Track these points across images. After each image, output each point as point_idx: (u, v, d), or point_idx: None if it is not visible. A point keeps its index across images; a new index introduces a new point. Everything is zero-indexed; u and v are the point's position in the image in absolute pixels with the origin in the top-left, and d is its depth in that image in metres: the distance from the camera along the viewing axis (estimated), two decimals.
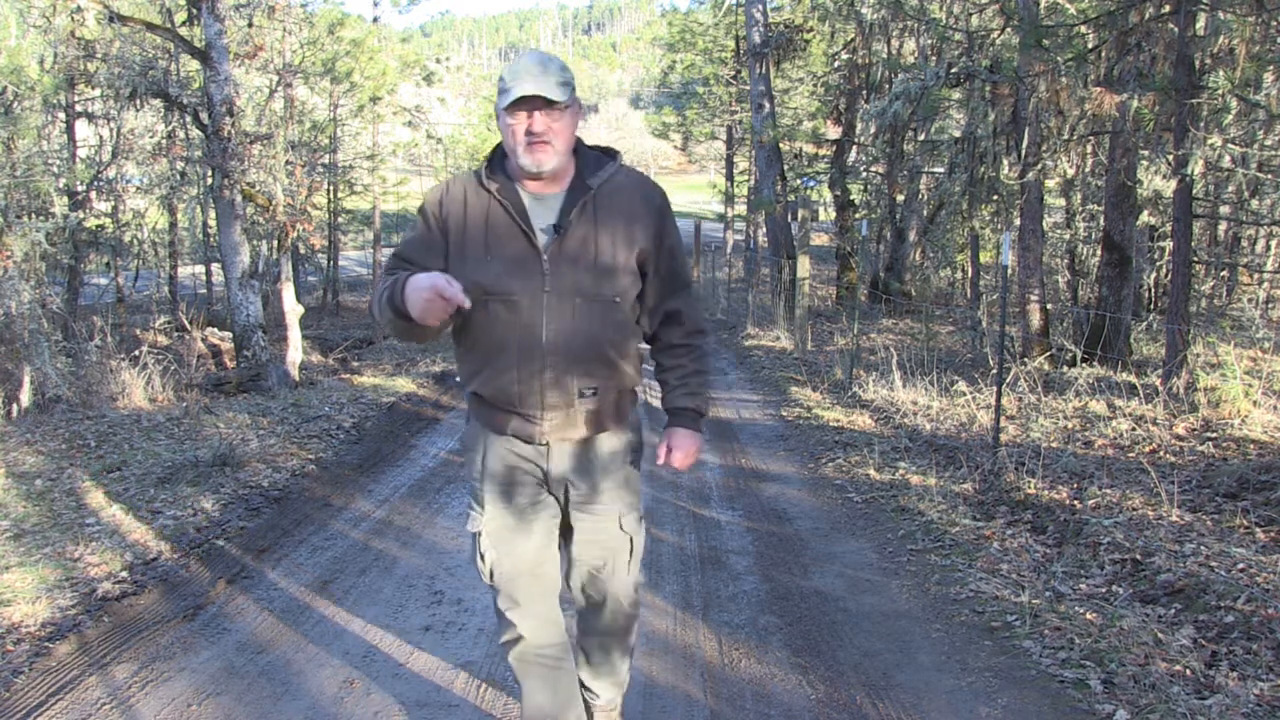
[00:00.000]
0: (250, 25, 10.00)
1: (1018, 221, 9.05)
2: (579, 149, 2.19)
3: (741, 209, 26.86)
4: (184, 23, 9.71)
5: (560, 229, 2.09)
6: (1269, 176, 8.34)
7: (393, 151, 21.09)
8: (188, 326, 11.85)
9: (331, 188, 17.84)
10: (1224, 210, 10.40)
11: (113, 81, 9.10)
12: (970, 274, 13.01)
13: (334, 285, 19.80)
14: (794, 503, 5.10)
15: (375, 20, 19.74)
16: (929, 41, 11.44)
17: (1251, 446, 5.25)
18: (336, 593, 3.86)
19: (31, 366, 7.85)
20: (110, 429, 6.64)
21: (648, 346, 2.37)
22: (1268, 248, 12.18)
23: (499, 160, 2.17)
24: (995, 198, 10.26)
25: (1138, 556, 3.80)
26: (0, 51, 9.48)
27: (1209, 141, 6.55)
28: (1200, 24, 7.28)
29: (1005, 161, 9.22)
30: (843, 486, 5.32)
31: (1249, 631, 3.12)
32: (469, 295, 1.96)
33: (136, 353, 8.96)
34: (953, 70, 9.31)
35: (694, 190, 49.51)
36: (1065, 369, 7.90)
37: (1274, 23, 6.28)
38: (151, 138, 12.34)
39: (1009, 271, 6.74)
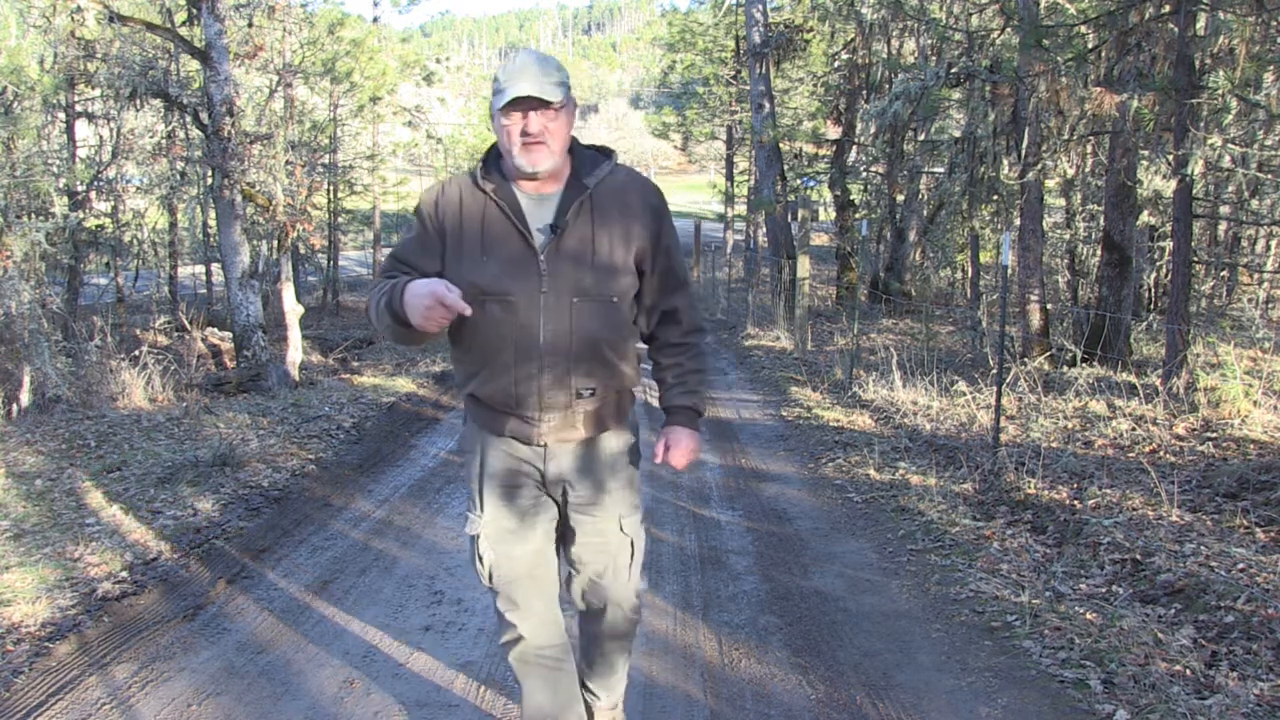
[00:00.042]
0: (250, 25, 10.01)
1: (1018, 221, 9.05)
2: (574, 148, 2.18)
3: (741, 209, 26.86)
4: (184, 23, 9.71)
5: (557, 229, 2.08)
6: (1269, 176, 8.34)
7: (393, 151, 21.11)
8: (188, 326, 11.85)
9: (331, 188, 17.84)
10: (1224, 210, 10.40)
11: (113, 81, 9.10)
12: (970, 274, 13.01)
13: (334, 285, 19.79)
14: (794, 503, 5.10)
15: (375, 20, 19.76)
16: (929, 41, 11.44)
17: (1251, 446, 5.25)
18: (336, 593, 3.86)
19: (31, 366, 7.85)
20: (110, 429, 6.64)
21: (645, 346, 2.37)
22: (1268, 248, 12.18)
23: (494, 160, 2.16)
24: (995, 198, 10.27)
25: (1138, 556, 3.80)
26: (0, 51, 9.48)
27: (1209, 141, 6.55)
28: (1200, 24, 7.28)
29: (1005, 161, 9.22)
30: (843, 486, 5.32)
31: (1249, 631, 3.12)
32: (466, 296, 1.96)
33: (136, 353, 8.96)
34: (953, 70, 9.31)
35: (694, 190, 49.51)
36: (1065, 369, 7.90)
37: (1274, 23, 6.28)
38: (151, 138, 12.34)
39: (1009, 271, 6.74)
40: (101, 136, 11.75)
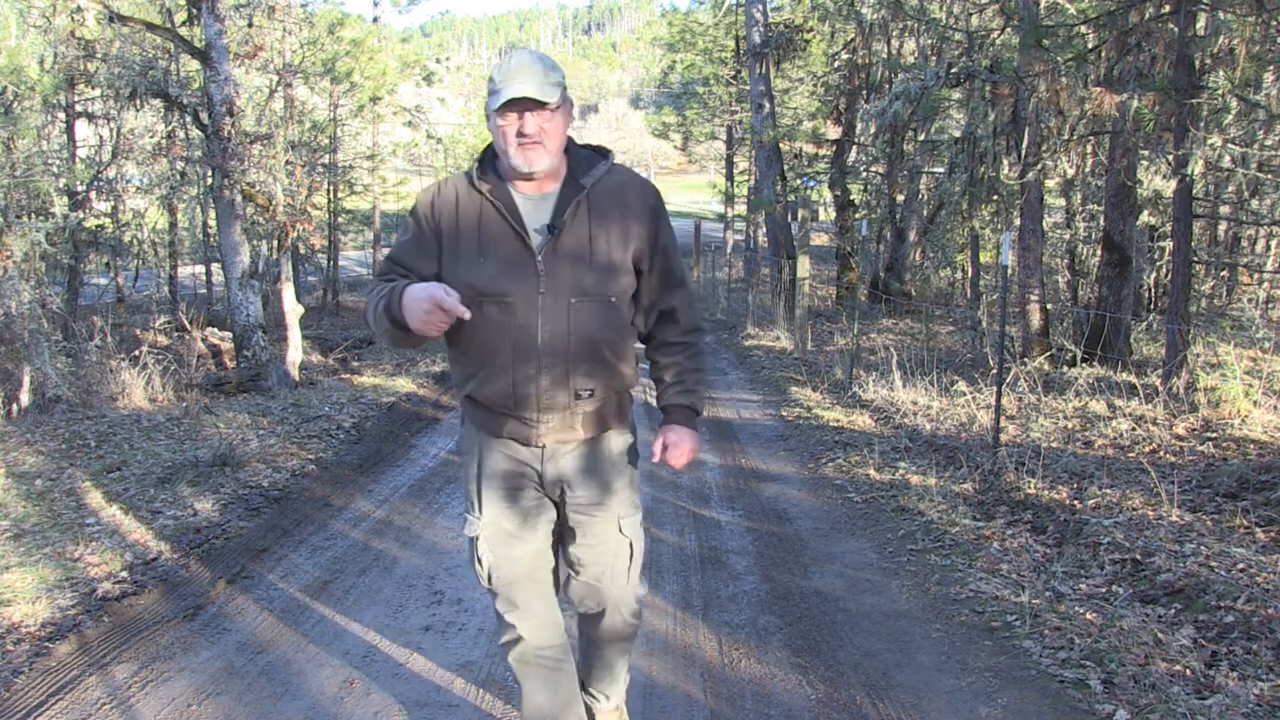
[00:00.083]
0: (250, 25, 10.00)
1: (1018, 221, 9.05)
2: (570, 148, 2.16)
3: (741, 209, 26.86)
4: (184, 23, 9.71)
5: (554, 229, 2.07)
6: (1269, 176, 8.34)
7: (393, 151, 21.11)
8: (188, 326, 11.85)
9: (331, 188, 17.84)
10: (1224, 210, 10.40)
11: (113, 81, 9.10)
12: (970, 274, 13.01)
13: (334, 285, 19.79)
14: (794, 503, 5.10)
15: (375, 20, 19.76)
16: (929, 41, 11.44)
17: (1251, 446, 5.25)
18: (336, 593, 3.86)
19: (31, 366, 7.85)
20: (110, 429, 6.64)
21: (643, 346, 2.36)
22: (1268, 248, 12.19)
23: (490, 161, 2.16)
24: (995, 198, 10.27)
25: (1138, 556, 3.80)
26: (0, 51, 9.48)
27: (1209, 141, 6.56)
28: (1200, 24, 7.28)
29: (1005, 161, 9.22)
30: (843, 486, 5.32)
31: (1249, 631, 3.12)
32: (463, 297, 1.95)
33: (136, 353, 8.96)
34: (953, 70, 9.31)
35: (694, 190, 49.52)
36: (1065, 369, 7.90)
37: (1274, 23, 6.28)
38: (151, 138, 12.34)
39: (1009, 271, 6.74)
40: (101, 136, 11.75)
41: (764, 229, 18.47)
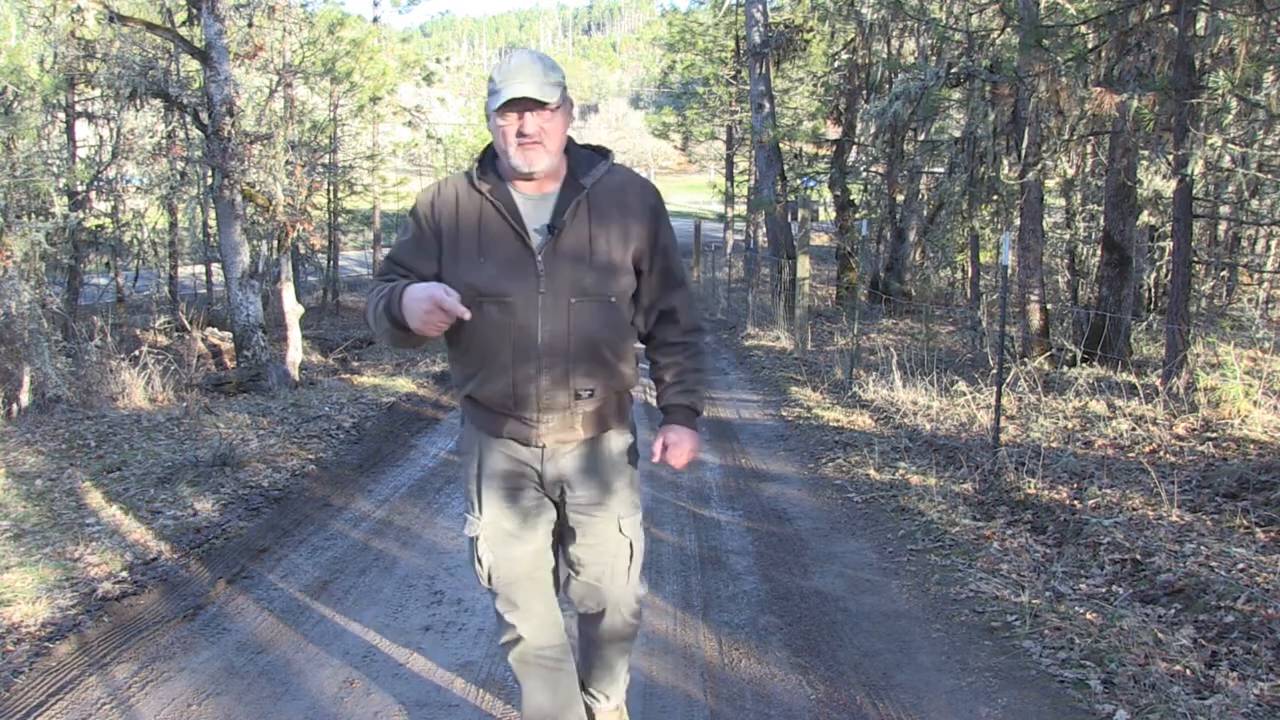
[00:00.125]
0: (250, 25, 10.01)
1: (1018, 221, 9.05)
2: (570, 148, 2.16)
3: (741, 209, 26.86)
4: (184, 23, 9.71)
5: (554, 229, 2.07)
6: (1269, 176, 8.34)
7: (393, 151, 21.11)
8: (188, 326, 11.85)
9: (331, 188, 17.84)
10: (1224, 210, 10.40)
11: (113, 81, 9.10)
12: (970, 274, 13.01)
13: (334, 285, 19.79)
14: (794, 503, 5.10)
15: (375, 20, 19.77)
16: (929, 41, 11.44)
17: (1251, 446, 5.25)
18: (336, 593, 3.86)
19: (31, 366, 7.85)
20: (110, 429, 6.64)
21: (642, 346, 2.35)
22: (1268, 248, 12.19)
23: (490, 160, 2.15)
24: (995, 198, 10.27)
25: (1138, 556, 3.81)
26: (0, 51, 9.48)
27: (1209, 141, 6.56)
28: (1200, 24, 7.28)
29: (1005, 161, 9.22)
30: (843, 486, 5.32)
31: (1249, 631, 3.12)
32: (463, 297, 1.95)
33: (136, 353, 8.96)
34: (953, 70, 9.31)
35: (694, 190, 49.52)
36: (1065, 369, 7.90)
37: (1274, 23, 6.28)
38: (151, 138, 12.34)
39: (1009, 271, 6.74)
40: (101, 136, 11.75)
41: (764, 229, 18.48)
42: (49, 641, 3.35)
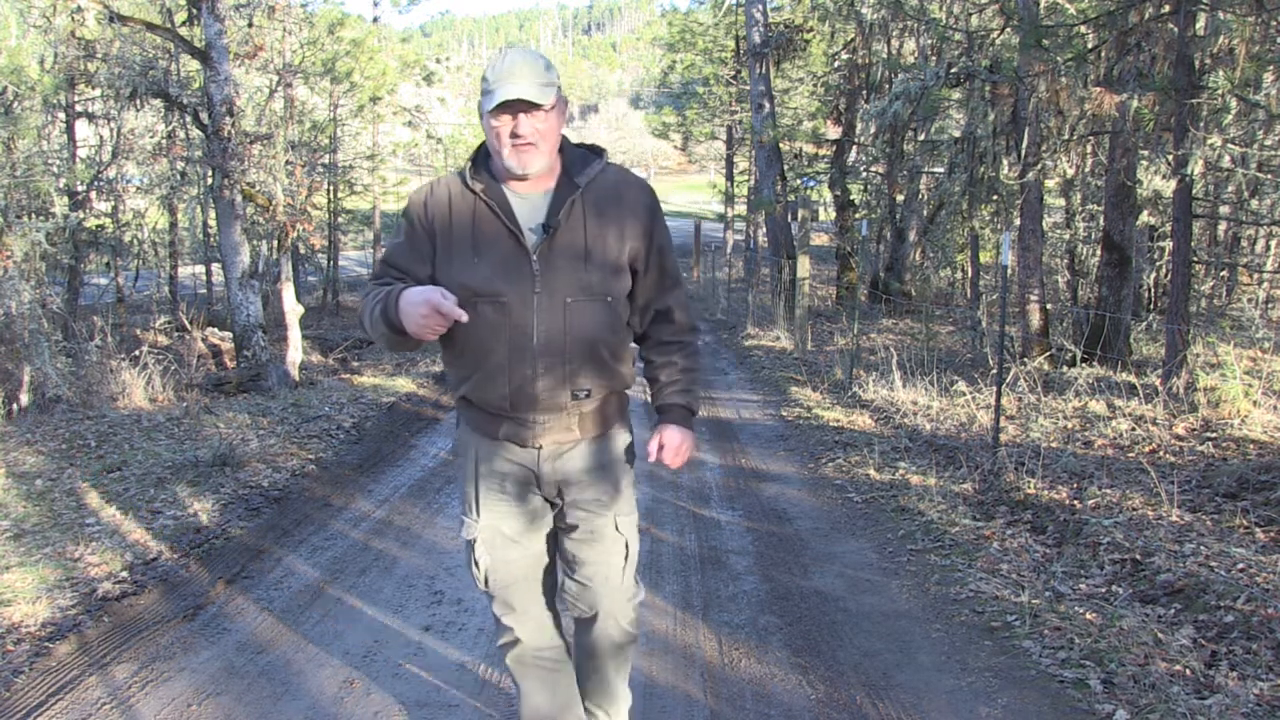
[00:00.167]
0: (250, 25, 10.01)
1: (1018, 221, 9.05)
2: (564, 147, 2.14)
3: (741, 209, 26.87)
4: (184, 23, 9.71)
5: (549, 228, 2.05)
6: (1269, 176, 8.34)
7: (393, 151, 21.10)
8: (188, 326, 11.86)
9: (331, 188, 17.83)
10: (1224, 210, 10.41)
11: (113, 81, 9.10)
12: (970, 274, 13.02)
13: (334, 285, 19.79)
14: (794, 503, 5.10)
15: (375, 20, 19.76)
16: (929, 41, 11.44)
17: (1251, 446, 5.25)
18: (337, 593, 3.86)
19: (31, 366, 7.85)
20: (110, 429, 6.64)
21: (638, 345, 2.33)
22: (1268, 248, 12.19)
23: (483, 159, 2.13)
24: (995, 198, 10.27)
25: (1138, 556, 3.81)
26: (0, 51, 9.49)
27: (1209, 141, 6.56)
28: (1200, 24, 7.28)
29: (1005, 161, 9.22)
30: (843, 486, 5.32)
31: (1249, 631, 3.12)
32: (457, 297, 1.93)
33: (136, 353, 8.96)
34: (953, 70, 9.31)
35: (694, 190, 49.52)
36: (1065, 369, 7.90)
37: (1274, 23, 6.28)
38: (151, 138, 12.34)
39: (1009, 271, 6.74)
40: (101, 136, 11.75)
41: (764, 229, 18.48)
42: (49, 641, 3.35)
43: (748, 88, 17.24)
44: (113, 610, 3.64)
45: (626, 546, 2.26)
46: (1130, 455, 5.32)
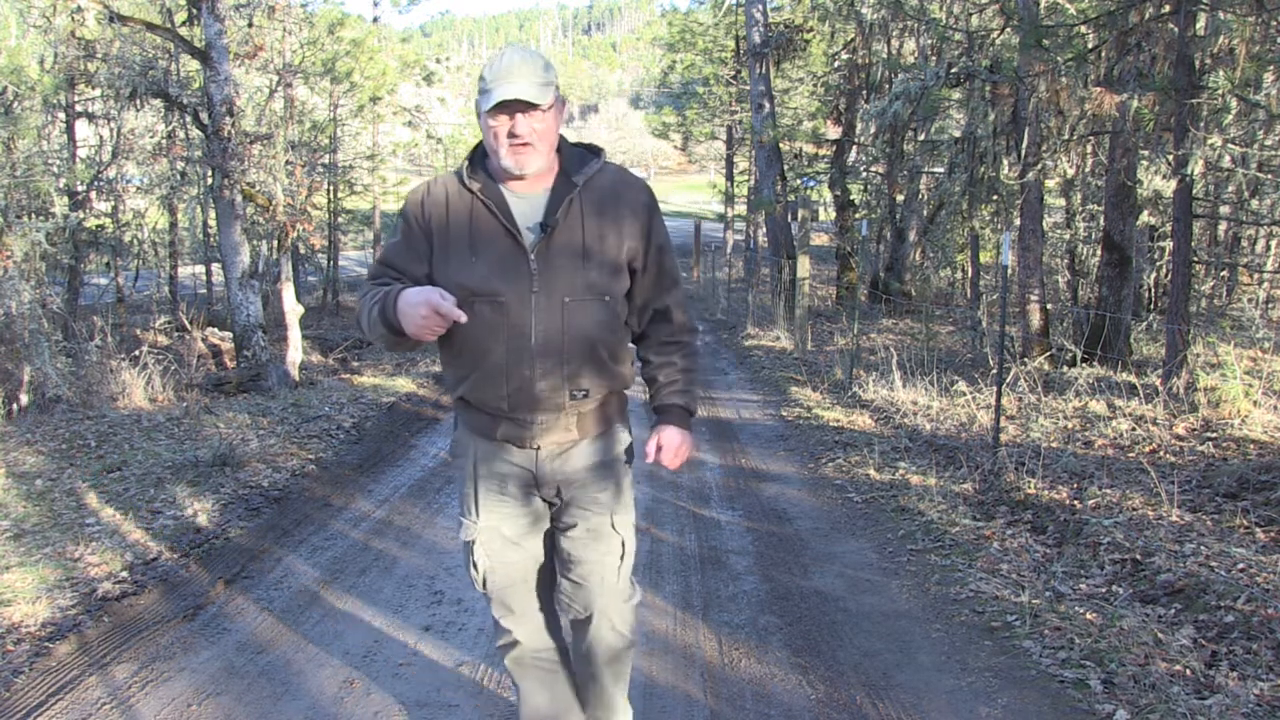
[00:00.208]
0: (250, 25, 10.01)
1: (1018, 221, 9.05)
2: (562, 146, 2.13)
3: (741, 209, 26.87)
4: (184, 23, 9.72)
5: (547, 227, 2.03)
6: (1269, 176, 8.34)
7: (393, 151, 21.10)
8: (188, 326, 11.86)
9: (331, 188, 17.83)
10: (1224, 210, 10.41)
11: (113, 81, 9.10)
12: (970, 274, 13.01)
13: (334, 285, 19.78)
14: (794, 503, 5.10)
15: (375, 20, 19.76)
16: (929, 41, 11.44)
17: (1251, 446, 5.25)
18: (337, 593, 3.86)
19: (31, 366, 7.85)
20: (110, 429, 6.64)
21: (635, 345, 2.32)
22: (1268, 248, 12.19)
23: (481, 158, 2.11)
24: (995, 198, 10.27)
25: (1138, 556, 3.81)
26: (0, 51, 9.49)
27: (1209, 141, 6.56)
28: (1200, 24, 7.28)
29: (1005, 161, 9.22)
30: (843, 486, 5.32)
31: (1249, 631, 3.12)
32: (455, 297, 1.92)
33: (136, 353, 8.96)
34: (953, 70, 9.31)
35: (694, 190, 49.51)
36: (1065, 369, 7.90)
37: (1274, 23, 6.28)
38: (151, 138, 12.34)
39: (1009, 271, 6.74)
40: (101, 136, 11.75)
41: (764, 229, 18.48)
42: (49, 641, 3.35)
43: (748, 88, 17.24)
44: (113, 610, 3.64)
45: (623, 546, 2.24)
46: (1130, 455, 5.32)
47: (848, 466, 5.69)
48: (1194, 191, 7.01)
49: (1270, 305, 11.24)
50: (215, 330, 12.46)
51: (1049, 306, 9.39)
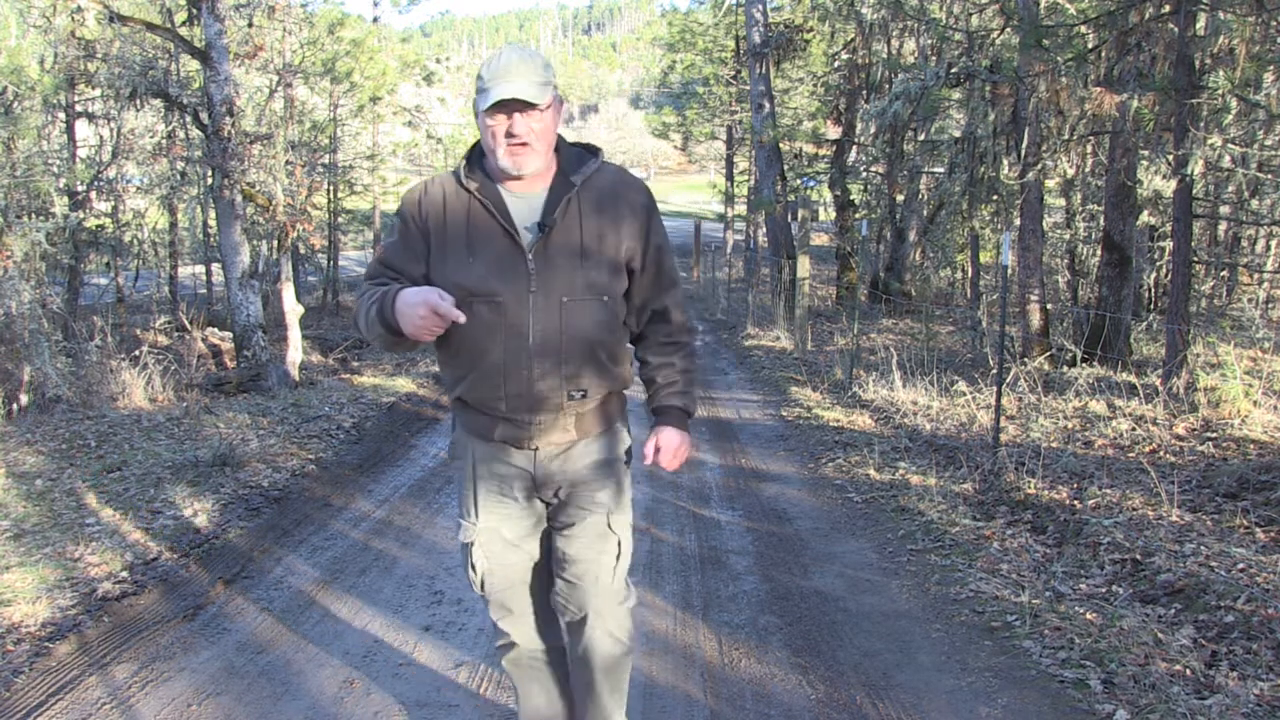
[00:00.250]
0: (250, 25, 10.00)
1: (1018, 221, 9.05)
2: (560, 146, 2.12)
3: (741, 209, 26.88)
4: (184, 23, 9.72)
5: (545, 227, 2.02)
6: (1269, 176, 8.34)
7: (393, 151, 21.10)
8: (188, 326, 11.85)
9: (331, 188, 17.82)
10: (1224, 210, 10.41)
11: (113, 81, 9.10)
12: (970, 274, 13.01)
13: (334, 285, 19.78)
14: (794, 503, 5.10)
15: (375, 20, 19.75)
16: (929, 41, 11.44)
17: (1251, 446, 5.25)
18: (337, 593, 3.86)
19: (31, 366, 7.85)
20: (110, 429, 6.64)
21: (633, 345, 2.31)
22: (1268, 248, 12.19)
23: (478, 158, 2.10)
24: (995, 198, 10.27)
25: (1138, 556, 3.81)
26: (0, 51, 9.49)
27: (1209, 141, 6.56)
28: (1200, 24, 7.28)
29: (1005, 161, 9.22)
30: (843, 486, 5.32)
31: (1249, 631, 3.12)
32: (452, 297, 1.92)
33: (136, 353, 8.96)
34: (953, 70, 9.32)
35: (694, 190, 49.50)
36: (1065, 369, 7.90)
37: (1274, 23, 6.28)
38: (151, 138, 12.34)
39: (1009, 271, 6.74)
40: (101, 136, 11.75)
41: (764, 229, 18.48)
42: (49, 641, 3.35)
43: (748, 88, 17.25)
44: (113, 610, 3.64)
45: (619, 546, 2.22)
46: (1130, 455, 5.32)
47: (848, 466, 5.69)
48: (1194, 191, 7.01)
49: (1270, 305, 11.24)
50: (215, 330, 12.46)
51: (1049, 306, 9.40)
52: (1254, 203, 10.50)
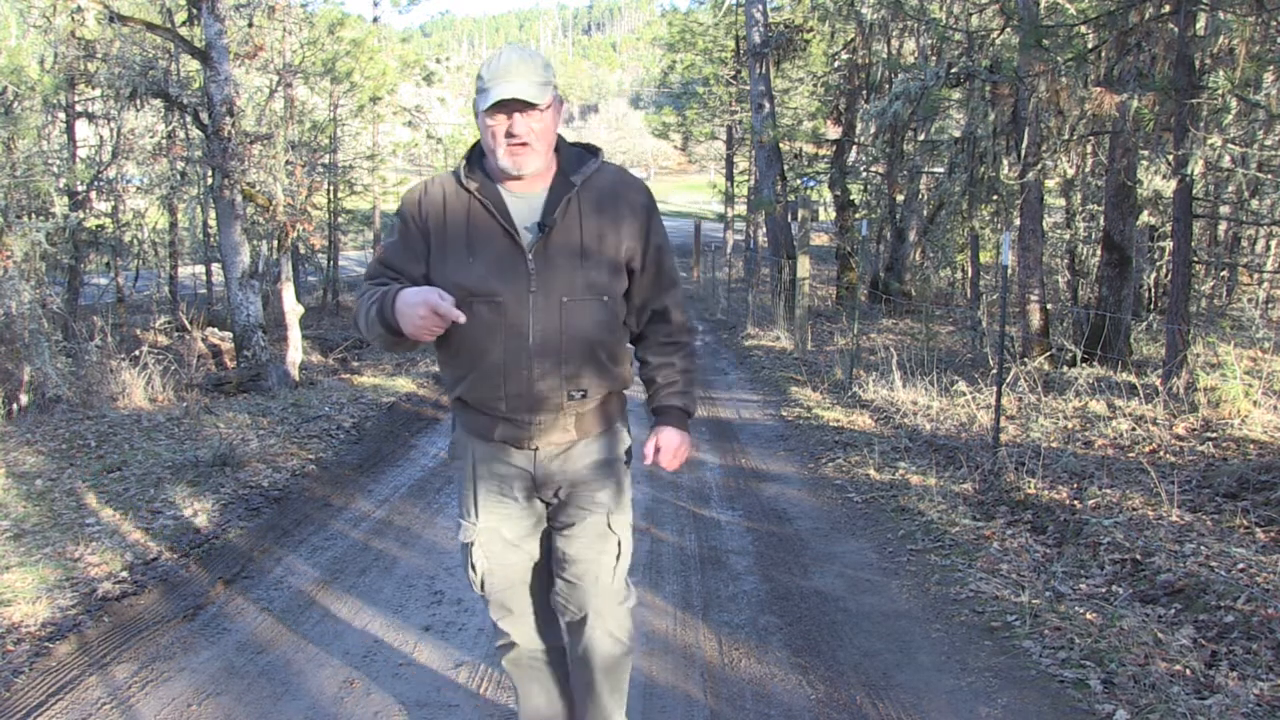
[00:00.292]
0: (250, 25, 10.00)
1: (1018, 221, 9.05)
2: (560, 146, 2.12)
3: (741, 209, 26.88)
4: (184, 23, 9.72)
5: (545, 227, 2.02)
6: (1269, 176, 8.34)
7: (393, 151, 21.10)
8: (188, 326, 11.85)
9: (331, 188, 17.82)
10: (1224, 210, 10.41)
11: (113, 81, 9.10)
12: (970, 274, 13.02)
13: (334, 285, 19.77)
14: (794, 503, 5.10)
15: (375, 20, 19.76)
16: (929, 41, 11.45)
17: (1251, 446, 5.25)
18: (337, 593, 3.86)
19: (31, 366, 7.85)
20: (110, 429, 6.64)
21: (633, 345, 2.31)
22: (1268, 248, 12.19)
23: (478, 158, 2.10)
24: (995, 198, 10.27)
25: (1138, 556, 3.81)
26: (0, 51, 9.49)
27: (1209, 141, 6.55)
28: (1200, 24, 7.28)
29: (1005, 161, 9.22)
30: (843, 486, 5.32)
31: (1249, 631, 3.12)
32: (452, 297, 1.92)
33: (136, 353, 8.96)
34: (953, 70, 9.32)
35: (694, 190, 49.50)
36: (1065, 369, 7.90)
37: (1274, 23, 6.28)
38: (151, 138, 12.34)
39: (1009, 271, 6.74)
40: (101, 136, 11.75)
41: (764, 229, 18.48)
42: (49, 641, 3.35)
43: (748, 88, 17.25)
44: (113, 610, 3.64)
45: (619, 546, 2.22)
46: (1130, 455, 5.32)
47: (848, 466, 5.69)
48: (1194, 191, 7.01)
49: (1270, 305, 11.24)
50: (215, 330, 12.46)
51: (1049, 306, 9.40)
52: (1254, 203, 10.50)
